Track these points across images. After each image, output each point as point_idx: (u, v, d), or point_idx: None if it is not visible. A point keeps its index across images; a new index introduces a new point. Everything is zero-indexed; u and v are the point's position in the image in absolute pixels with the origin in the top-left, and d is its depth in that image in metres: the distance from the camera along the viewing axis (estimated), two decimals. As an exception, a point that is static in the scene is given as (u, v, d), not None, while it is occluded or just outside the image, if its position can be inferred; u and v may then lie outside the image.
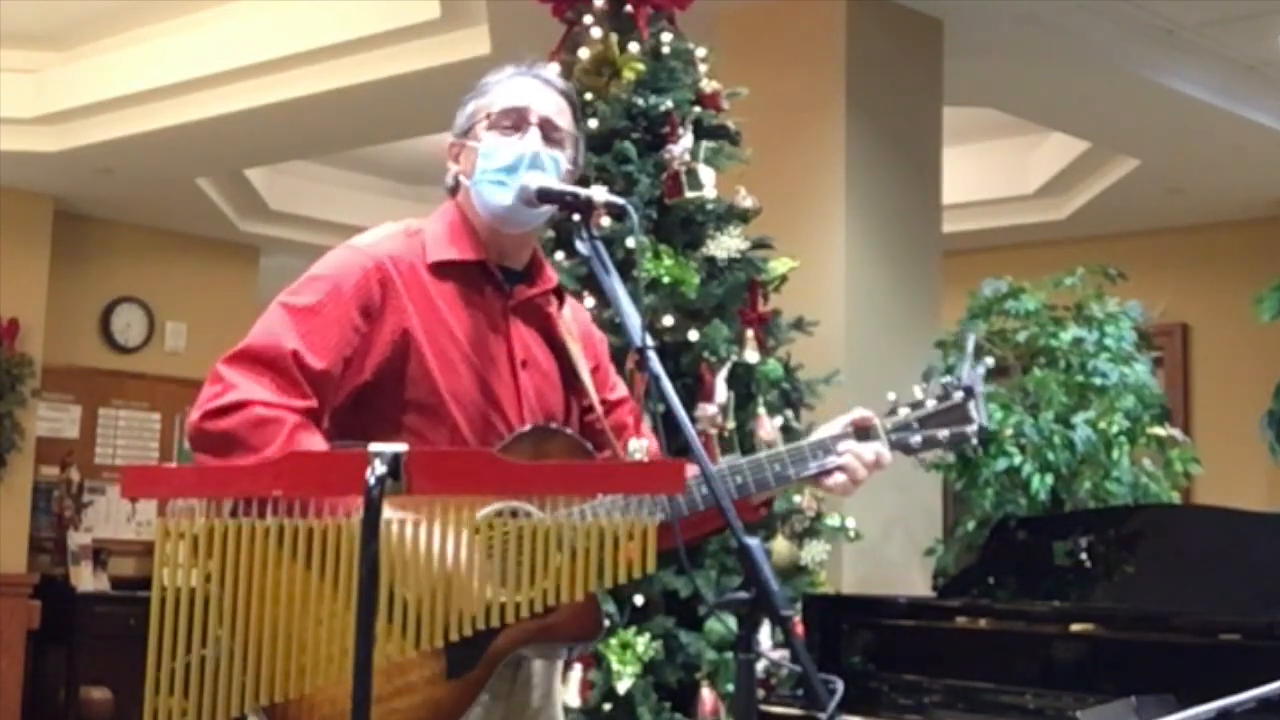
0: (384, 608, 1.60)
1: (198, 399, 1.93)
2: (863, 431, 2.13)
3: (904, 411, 2.17)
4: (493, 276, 2.11)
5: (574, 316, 2.23)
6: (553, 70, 2.16)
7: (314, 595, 1.59)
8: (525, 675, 2.07)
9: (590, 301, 3.67)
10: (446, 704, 1.93)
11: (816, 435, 2.14)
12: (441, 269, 2.07)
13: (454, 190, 2.17)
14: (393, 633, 1.63)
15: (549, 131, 2.10)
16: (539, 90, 2.13)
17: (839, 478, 2.10)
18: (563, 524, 1.64)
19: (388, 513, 1.47)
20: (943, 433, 2.17)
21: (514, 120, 2.09)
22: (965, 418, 2.17)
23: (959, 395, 2.17)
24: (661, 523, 1.81)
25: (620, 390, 2.28)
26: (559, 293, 2.22)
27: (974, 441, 2.20)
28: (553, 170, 2.08)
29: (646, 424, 2.30)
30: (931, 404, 2.17)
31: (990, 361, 2.24)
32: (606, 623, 2.03)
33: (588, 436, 2.14)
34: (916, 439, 2.16)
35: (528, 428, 2.06)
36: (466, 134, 2.13)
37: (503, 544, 1.63)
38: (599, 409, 2.16)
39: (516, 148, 2.07)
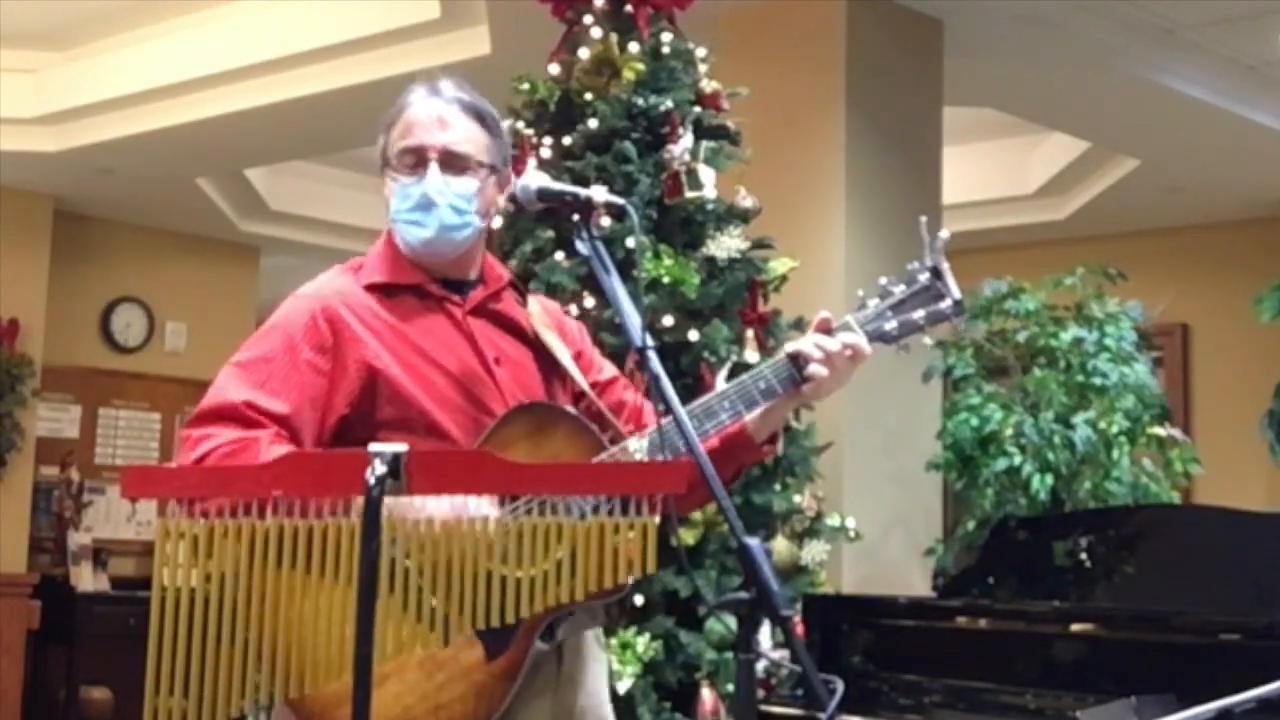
0: (412, 602, 1.60)
1: None
2: (828, 331, 2.12)
3: (873, 303, 2.16)
4: (436, 294, 2.13)
5: (543, 309, 2.24)
6: (449, 86, 2.14)
7: (314, 595, 1.59)
8: (568, 670, 2.07)
9: (590, 301, 3.67)
10: (491, 688, 1.94)
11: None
12: (386, 290, 2.10)
13: None
14: (419, 629, 1.63)
15: (449, 161, 2.10)
16: (441, 115, 2.11)
17: (817, 369, 2.08)
18: (562, 521, 1.64)
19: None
20: (918, 314, 2.16)
21: (414, 160, 2.10)
22: (938, 295, 2.16)
23: (925, 276, 2.17)
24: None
25: (609, 370, 2.27)
26: (519, 290, 2.23)
27: (953, 318, 2.18)
28: (459, 201, 2.08)
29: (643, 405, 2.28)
30: (900, 289, 2.17)
31: (945, 234, 2.20)
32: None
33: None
34: (891, 325, 2.15)
35: (521, 403, 2.05)
36: (384, 168, 2.15)
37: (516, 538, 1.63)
38: (591, 393, 2.16)
39: (415, 191, 2.08)
